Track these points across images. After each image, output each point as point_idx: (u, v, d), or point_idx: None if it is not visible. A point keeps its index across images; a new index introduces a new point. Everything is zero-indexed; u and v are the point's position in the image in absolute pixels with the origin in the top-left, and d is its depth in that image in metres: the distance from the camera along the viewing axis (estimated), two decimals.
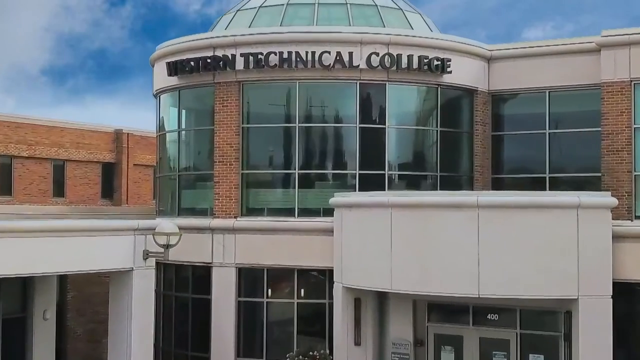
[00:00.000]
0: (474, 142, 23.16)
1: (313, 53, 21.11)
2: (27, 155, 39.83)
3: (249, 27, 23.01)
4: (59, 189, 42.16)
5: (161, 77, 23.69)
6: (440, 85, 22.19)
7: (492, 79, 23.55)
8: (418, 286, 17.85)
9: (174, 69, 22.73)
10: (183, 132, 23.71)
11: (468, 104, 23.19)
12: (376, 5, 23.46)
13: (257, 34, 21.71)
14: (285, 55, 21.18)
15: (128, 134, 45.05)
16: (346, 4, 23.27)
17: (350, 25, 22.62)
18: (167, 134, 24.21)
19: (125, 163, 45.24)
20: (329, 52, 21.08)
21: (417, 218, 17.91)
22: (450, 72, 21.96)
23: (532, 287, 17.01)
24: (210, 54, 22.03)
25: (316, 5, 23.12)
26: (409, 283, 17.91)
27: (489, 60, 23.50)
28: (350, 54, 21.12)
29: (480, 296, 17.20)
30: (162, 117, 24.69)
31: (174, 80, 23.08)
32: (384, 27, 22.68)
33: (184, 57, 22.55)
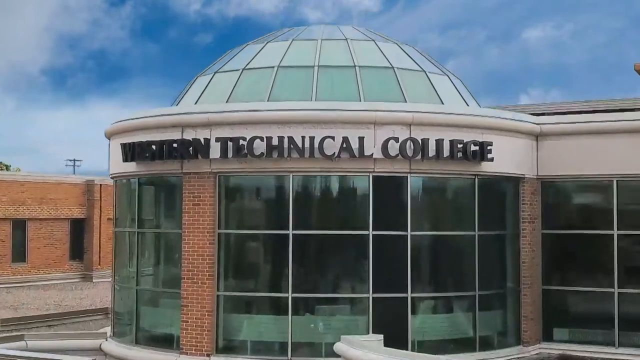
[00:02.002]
0: (521, 246, 17.85)
1: (312, 139, 15.83)
2: None
3: (229, 97, 17.73)
4: (19, 253, 36.81)
5: (116, 160, 18.39)
6: (478, 175, 16.92)
7: (541, 160, 18.28)
8: None
9: (131, 153, 17.43)
10: (141, 233, 18.31)
11: (512, 195, 17.92)
12: (392, 68, 18.16)
13: (238, 111, 16.42)
14: (274, 142, 15.89)
15: (100, 184, 39.60)
16: (354, 66, 17.98)
17: (359, 97, 17.33)
18: (124, 232, 18.83)
19: (97, 218, 39.95)
20: (333, 137, 15.80)
21: None
22: (491, 159, 16.69)
23: None
24: (177, 135, 16.73)
25: (315, 69, 17.83)
26: None
27: (538, 137, 18.23)
28: (361, 139, 15.85)
29: None
30: (118, 208, 19.37)
31: (131, 167, 17.77)
32: (405, 99, 17.40)
33: (144, 138, 17.25)
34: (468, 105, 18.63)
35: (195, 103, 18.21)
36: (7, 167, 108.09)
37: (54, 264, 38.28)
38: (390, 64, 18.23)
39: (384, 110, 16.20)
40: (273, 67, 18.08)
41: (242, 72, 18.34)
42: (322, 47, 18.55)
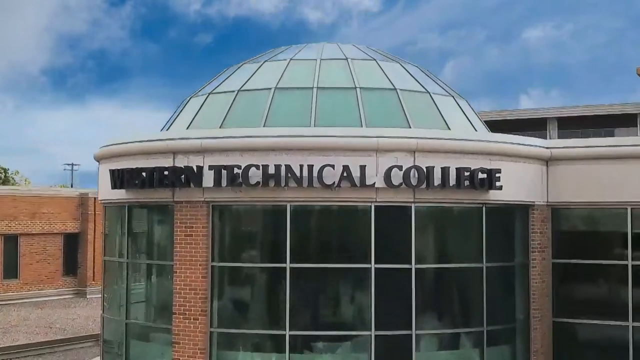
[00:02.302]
0: (531, 277, 16.97)
1: (310, 167, 14.94)
2: None
3: (223, 121, 16.86)
4: (10, 269, 35.89)
5: (105, 186, 17.51)
6: (486, 204, 16.04)
7: (552, 186, 17.39)
8: None
9: (120, 180, 16.54)
10: (132, 263, 17.41)
11: (521, 223, 17.03)
12: (395, 89, 17.29)
13: (233, 137, 15.53)
14: (271, 170, 15.01)
15: (94, 198, 38.64)
16: (355, 88, 17.11)
17: (361, 121, 16.46)
18: (114, 261, 17.93)
19: (92, 232, 39.00)
20: (332, 166, 14.91)
21: None
22: (500, 187, 15.80)
23: None
24: (168, 162, 15.85)
25: (314, 91, 16.96)
26: None
27: (548, 161, 17.35)
28: (363, 168, 14.96)
29: None
30: (107, 236, 18.49)
31: (120, 194, 16.89)
32: (408, 123, 16.54)
33: (133, 164, 16.36)
34: (475, 128, 17.78)
35: (188, 127, 17.35)
36: (5, 171, 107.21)
37: (47, 280, 37.36)
38: (393, 85, 17.36)
39: (387, 137, 15.31)
40: (270, 88, 17.21)
41: (237, 93, 17.47)
42: (321, 68, 17.71)
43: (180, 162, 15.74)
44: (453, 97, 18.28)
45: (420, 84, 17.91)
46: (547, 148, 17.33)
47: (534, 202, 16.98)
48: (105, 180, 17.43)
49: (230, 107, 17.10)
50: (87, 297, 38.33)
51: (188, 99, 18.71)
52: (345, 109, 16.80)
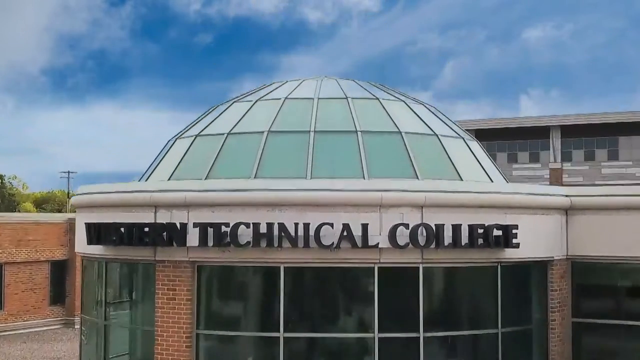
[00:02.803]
0: (550, 339, 15.40)
1: (306, 226, 13.37)
2: None
3: (210, 170, 15.30)
4: None
5: (82, 238, 15.92)
6: (501, 262, 14.48)
7: (572, 238, 15.84)
8: None
9: (96, 235, 14.96)
10: (110, 325, 15.80)
11: (539, 281, 15.48)
12: (400, 133, 15.73)
13: (220, 190, 13.97)
14: (262, 229, 13.43)
15: None
16: (356, 131, 15.55)
17: (362, 170, 14.89)
18: (89, 320, 16.33)
19: (80, 259, 37.02)
20: (331, 224, 13.34)
21: None
22: (516, 244, 14.23)
23: None
24: (149, 217, 14.29)
25: (311, 135, 15.39)
26: None
27: (568, 210, 15.80)
28: (365, 226, 13.39)
29: None
30: (84, 291, 16.92)
31: (97, 249, 15.31)
32: (415, 173, 14.98)
33: (111, 218, 14.79)
34: (488, 174, 16.22)
35: (171, 175, 15.79)
36: (1, 177, 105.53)
37: (33, 310, 35.72)
38: (398, 128, 15.80)
39: (392, 190, 13.77)
40: (262, 132, 15.66)
41: (226, 137, 15.91)
42: (318, 108, 16.18)
43: (163, 217, 14.18)
44: (463, 139, 16.72)
45: (428, 126, 16.35)
46: (567, 196, 15.78)
47: (552, 257, 15.43)
48: (82, 232, 15.85)
49: (219, 153, 15.53)
50: (75, 327, 36.67)
51: (174, 140, 17.14)
52: (345, 156, 15.24)
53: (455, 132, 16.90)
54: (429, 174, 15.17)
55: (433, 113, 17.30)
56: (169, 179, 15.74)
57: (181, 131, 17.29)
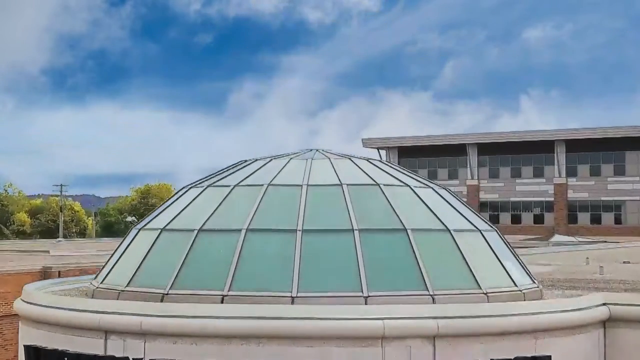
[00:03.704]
0: None
1: None
2: None
3: (174, 280, 12.58)
4: None
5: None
6: None
7: (610, 357, 13.16)
8: None
9: None
10: None
11: None
12: (405, 230, 13.01)
13: (183, 317, 11.30)
14: None
15: (59, 271, 34.10)
16: (352, 230, 12.84)
17: (360, 283, 12.16)
18: None
19: None
20: None
21: None
22: None
23: None
24: (98, 347, 11.64)
25: (298, 235, 12.68)
26: None
27: (606, 322, 13.13)
28: None
29: None
30: None
31: None
32: (425, 284, 12.28)
33: (52, 343, 12.14)
34: (512, 279, 13.46)
35: (129, 282, 13.04)
36: None
37: None
38: (403, 225, 13.09)
39: (397, 318, 11.12)
40: (240, 230, 12.95)
41: (197, 234, 13.20)
42: (307, 198, 13.48)
43: (114, 347, 11.51)
44: (480, 231, 13.99)
45: (438, 218, 13.63)
46: (604, 305, 13.11)
47: None
48: (22, 354, 13.19)
49: (186, 257, 12.81)
50: None
51: (137, 231, 14.43)
52: (339, 262, 12.55)
53: (471, 222, 14.17)
54: (441, 282, 12.48)
55: (442, 197, 14.61)
56: (126, 286, 13.05)
57: (146, 221, 14.58)
